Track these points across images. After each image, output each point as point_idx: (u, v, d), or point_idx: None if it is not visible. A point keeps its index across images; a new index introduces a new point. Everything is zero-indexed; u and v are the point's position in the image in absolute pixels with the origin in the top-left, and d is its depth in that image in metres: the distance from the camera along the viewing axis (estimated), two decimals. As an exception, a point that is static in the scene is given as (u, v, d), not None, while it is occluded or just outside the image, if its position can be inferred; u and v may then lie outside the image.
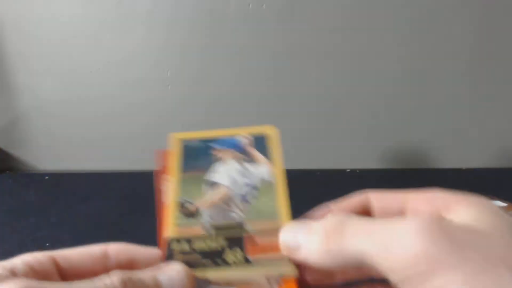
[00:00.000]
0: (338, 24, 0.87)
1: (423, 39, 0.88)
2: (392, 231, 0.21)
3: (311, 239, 0.24)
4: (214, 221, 0.30)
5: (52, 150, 0.97)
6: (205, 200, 0.32)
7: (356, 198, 0.29)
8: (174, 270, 0.25)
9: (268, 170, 0.33)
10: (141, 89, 0.92)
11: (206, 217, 0.31)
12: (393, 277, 0.21)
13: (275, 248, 0.27)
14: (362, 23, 0.86)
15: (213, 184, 0.33)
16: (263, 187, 0.32)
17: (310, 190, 0.69)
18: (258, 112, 0.92)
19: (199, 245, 0.28)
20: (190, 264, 0.27)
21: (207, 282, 0.27)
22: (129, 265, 0.27)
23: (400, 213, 0.27)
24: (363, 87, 0.90)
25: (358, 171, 0.93)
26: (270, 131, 0.36)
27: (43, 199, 0.82)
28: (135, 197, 0.82)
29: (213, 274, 0.27)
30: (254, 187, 0.32)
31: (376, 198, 0.28)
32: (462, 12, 0.85)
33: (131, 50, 0.89)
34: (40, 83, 0.91)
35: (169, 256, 0.28)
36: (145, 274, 0.25)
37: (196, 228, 0.30)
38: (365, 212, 0.29)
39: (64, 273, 0.26)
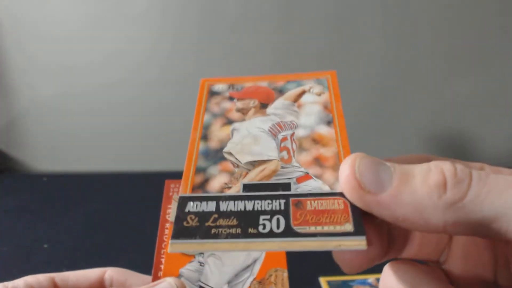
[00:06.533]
0: (335, 24, 0.86)
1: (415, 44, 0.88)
2: None
3: (414, 184, 0.18)
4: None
5: (50, 151, 0.97)
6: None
7: (414, 155, 0.23)
8: (166, 282, 0.26)
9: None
10: (141, 90, 0.91)
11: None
12: None
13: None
14: (356, 25, 0.86)
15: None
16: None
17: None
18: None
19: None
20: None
21: None
22: None
23: None
24: (363, 86, 0.90)
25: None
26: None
27: (41, 200, 0.82)
28: (133, 198, 0.81)
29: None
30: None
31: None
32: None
33: (130, 48, 0.89)
34: (38, 84, 0.91)
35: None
36: None
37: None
38: None
39: None
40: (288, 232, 0.19)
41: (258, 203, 0.21)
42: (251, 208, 0.20)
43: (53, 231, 0.71)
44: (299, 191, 0.21)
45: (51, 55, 0.89)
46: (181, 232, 0.20)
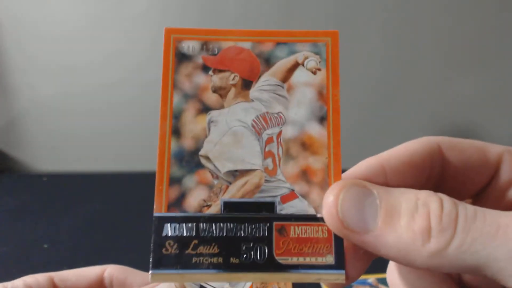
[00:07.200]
0: (335, 24, 0.86)
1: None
2: None
3: (399, 228, 0.17)
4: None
5: (50, 151, 0.97)
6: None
7: (421, 144, 0.21)
8: (166, 284, 0.26)
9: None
10: (141, 90, 0.91)
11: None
12: None
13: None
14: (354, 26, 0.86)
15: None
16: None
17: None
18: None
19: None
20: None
21: None
22: None
23: (482, 166, 0.21)
24: (363, 86, 0.90)
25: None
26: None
27: (41, 200, 0.82)
28: (133, 198, 0.81)
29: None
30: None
31: (450, 145, 0.21)
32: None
33: (130, 48, 0.89)
34: (38, 84, 0.91)
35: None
36: None
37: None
38: (433, 164, 0.21)
39: None
40: (270, 264, 0.19)
41: (240, 227, 0.19)
42: (232, 234, 0.19)
43: (53, 231, 0.70)
44: (283, 212, 0.20)
45: (51, 55, 0.89)
46: (161, 261, 0.19)
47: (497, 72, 0.90)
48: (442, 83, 0.91)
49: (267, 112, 0.21)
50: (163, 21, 0.87)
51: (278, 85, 0.21)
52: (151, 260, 0.19)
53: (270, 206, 0.20)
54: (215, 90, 0.21)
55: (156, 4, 0.85)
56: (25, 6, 0.85)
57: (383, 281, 0.56)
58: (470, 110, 0.92)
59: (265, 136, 0.21)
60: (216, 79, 0.21)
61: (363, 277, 0.57)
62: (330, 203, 0.18)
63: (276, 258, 0.19)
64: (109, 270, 0.30)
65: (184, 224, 0.20)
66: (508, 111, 0.93)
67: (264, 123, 0.21)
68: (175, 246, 0.19)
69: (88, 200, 0.81)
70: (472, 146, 0.21)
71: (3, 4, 0.85)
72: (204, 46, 0.21)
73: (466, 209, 0.17)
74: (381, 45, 0.88)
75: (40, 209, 0.78)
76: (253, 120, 0.21)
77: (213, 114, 0.21)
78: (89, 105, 0.92)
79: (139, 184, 0.85)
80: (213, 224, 0.20)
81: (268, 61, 0.21)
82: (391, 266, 0.23)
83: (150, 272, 0.19)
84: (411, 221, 0.17)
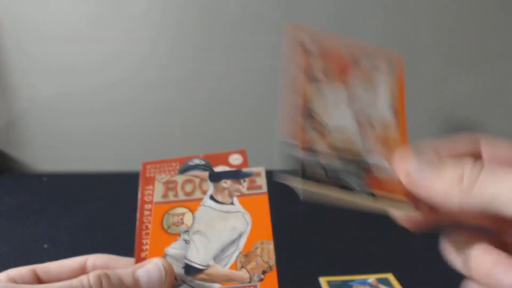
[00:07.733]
0: (335, 24, 0.86)
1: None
2: None
3: (443, 176, 0.24)
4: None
5: (50, 151, 0.97)
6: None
7: (465, 139, 0.28)
8: (152, 263, 0.26)
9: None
10: (141, 90, 0.91)
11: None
12: None
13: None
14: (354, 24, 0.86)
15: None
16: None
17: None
18: (256, 112, 0.91)
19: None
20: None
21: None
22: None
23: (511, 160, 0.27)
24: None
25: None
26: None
27: (41, 200, 0.82)
28: (132, 198, 0.81)
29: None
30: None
31: (488, 143, 0.28)
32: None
33: (130, 48, 0.89)
34: (38, 84, 0.91)
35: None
36: (122, 270, 0.26)
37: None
38: (473, 154, 0.28)
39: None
40: (363, 190, 0.26)
41: (343, 164, 0.26)
42: (338, 168, 0.26)
43: (53, 231, 0.70)
44: (370, 161, 0.27)
45: (51, 55, 0.89)
46: (290, 171, 0.25)
47: (497, 72, 0.90)
48: (442, 83, 0.91)
49: (357, 97, 0.29)
50: (163, 21, 0.87)
51: (363, 82, 0.29)
52: (284, 168, 0.25)
53: (361, 155, 0.28)
54: (321, 74, 0.28)
55: (156, 4, 0.85)
56: (25, 6, 0.85)
57: (383, 281, 0.56)
58: (470, 109, 0.92)
59: (355, 110, 0.28)
60: (321, 66, 0.28)
61: (363, 277, 0.57)
62: (400, 164, 0.27)
63: (366, 188, 0.26)
64: (92, 259, 0.30)
65: (307, 156, 0.26)
66: (508, 111, 0.93)
67: (355, 102, 0.28)
68: (299, 166, 0.25)
69: (88, 200, 0.81)
70: (505, 143, 0.27)
71: (3, 4, 0.85)
72: (314, 41, 0.29)
73: (491, 164, 0.24)
74: (381, 45, 0.88)
75: (40, 209, 0.78)
76: (347, 95, 0.28)
77: (319, 85, 0.28)
78: (89, 105, 0.92)
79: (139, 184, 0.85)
80: (325, 161, 0.26)
81: (356, 64, 0.30)
82: (446, 245, 0.27)
83: (282, 175, 0.25)
84: (453, 172, 0.24)
